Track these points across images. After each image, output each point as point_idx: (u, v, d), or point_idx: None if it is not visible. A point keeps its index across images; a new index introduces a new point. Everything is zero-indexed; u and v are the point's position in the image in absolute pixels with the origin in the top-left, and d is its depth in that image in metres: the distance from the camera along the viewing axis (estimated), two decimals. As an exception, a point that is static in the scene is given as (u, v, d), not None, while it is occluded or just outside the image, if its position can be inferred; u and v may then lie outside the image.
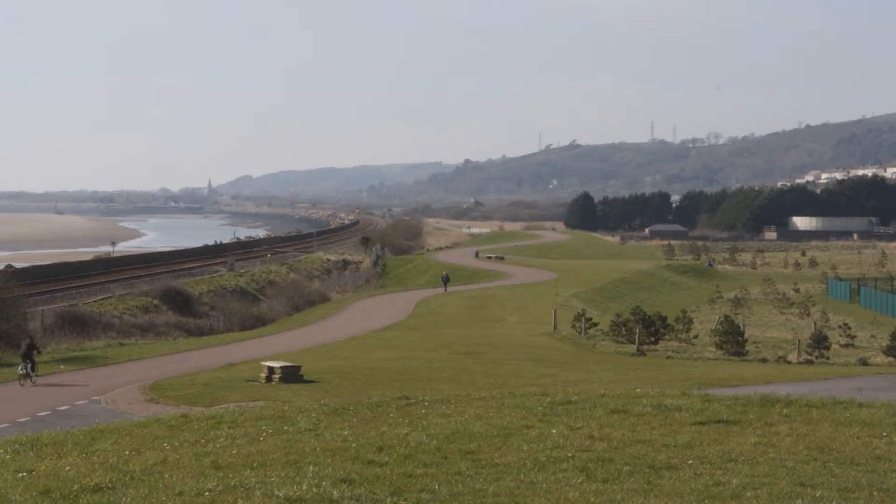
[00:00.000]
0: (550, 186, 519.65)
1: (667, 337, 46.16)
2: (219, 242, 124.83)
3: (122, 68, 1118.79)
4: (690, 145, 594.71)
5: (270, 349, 40.04)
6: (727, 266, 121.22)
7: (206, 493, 10.20)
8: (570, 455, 12.06)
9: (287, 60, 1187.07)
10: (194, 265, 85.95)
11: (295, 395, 25.15)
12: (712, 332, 47.31)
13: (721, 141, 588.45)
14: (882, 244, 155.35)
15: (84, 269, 76.08)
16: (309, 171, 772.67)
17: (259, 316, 61.35)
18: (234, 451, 12.90)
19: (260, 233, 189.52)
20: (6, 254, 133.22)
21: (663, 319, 46.20)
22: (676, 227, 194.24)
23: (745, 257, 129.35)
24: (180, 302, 61.41)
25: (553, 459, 11.83)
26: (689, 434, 13.67)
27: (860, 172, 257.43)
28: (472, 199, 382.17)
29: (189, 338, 50.16)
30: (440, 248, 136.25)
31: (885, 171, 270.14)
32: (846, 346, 47.53)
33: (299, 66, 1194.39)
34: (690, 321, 50.12)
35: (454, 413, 16.14)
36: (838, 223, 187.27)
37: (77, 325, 46.83)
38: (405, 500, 9.94)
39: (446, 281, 75.85)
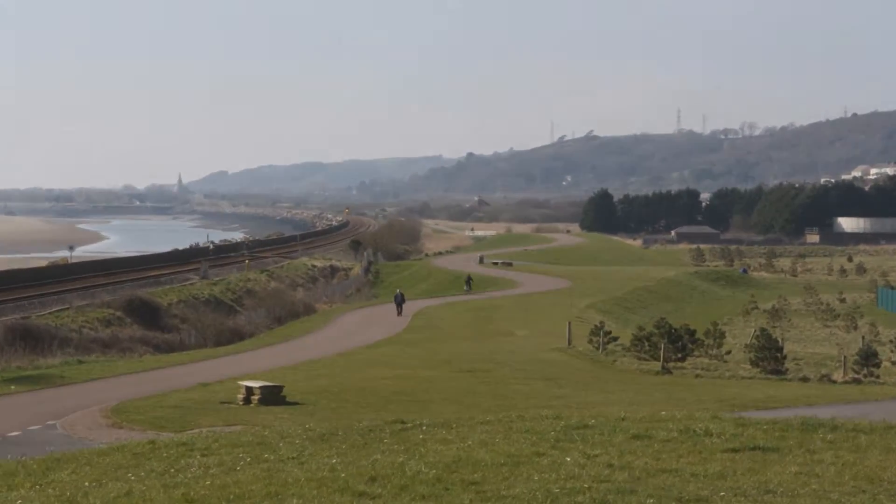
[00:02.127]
0: (564, 183, 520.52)
1: (695, 353, 46.21)
2: (210, 243, 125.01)
3: (79, 51, 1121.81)
4: (722, 137, 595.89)
5: (249, 367, 40.09)
6: (764, 273, 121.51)
7: (176, 530, 10.23)
8: (586, 486, 12.08)
9: (265, 41, 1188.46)
10: (163, 272, 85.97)
11: (276, 419, 25.21)
12: (747, 348, 47.34)
13: (757, 132, 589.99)
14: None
15: (38, 276, 76.04)
16: (292, 166, 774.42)
17: (236, 329, 61.47)
18: (208, 483, 12.92)
19: (237, 236, 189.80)
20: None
21: (691, 333, 46.22)
22: (706, 230, 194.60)
23: (784, 263, 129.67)
24: (147, 314, 61.49)
25: (567, 491, 11.85)
26: (720, 462, 13.70)
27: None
28: (476, 198, 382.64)
29: (157, 354, 50.27)
30: (440, 253, 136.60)
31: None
32: (898, 363, 47.56)
33: (281, 48, 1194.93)
34: (722, 335, 50.20)
35: (456, 439, 16.17)
36: (889, 224, 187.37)
37: (30, 340, 46.83)
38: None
39: (400, 302, 66.68)
